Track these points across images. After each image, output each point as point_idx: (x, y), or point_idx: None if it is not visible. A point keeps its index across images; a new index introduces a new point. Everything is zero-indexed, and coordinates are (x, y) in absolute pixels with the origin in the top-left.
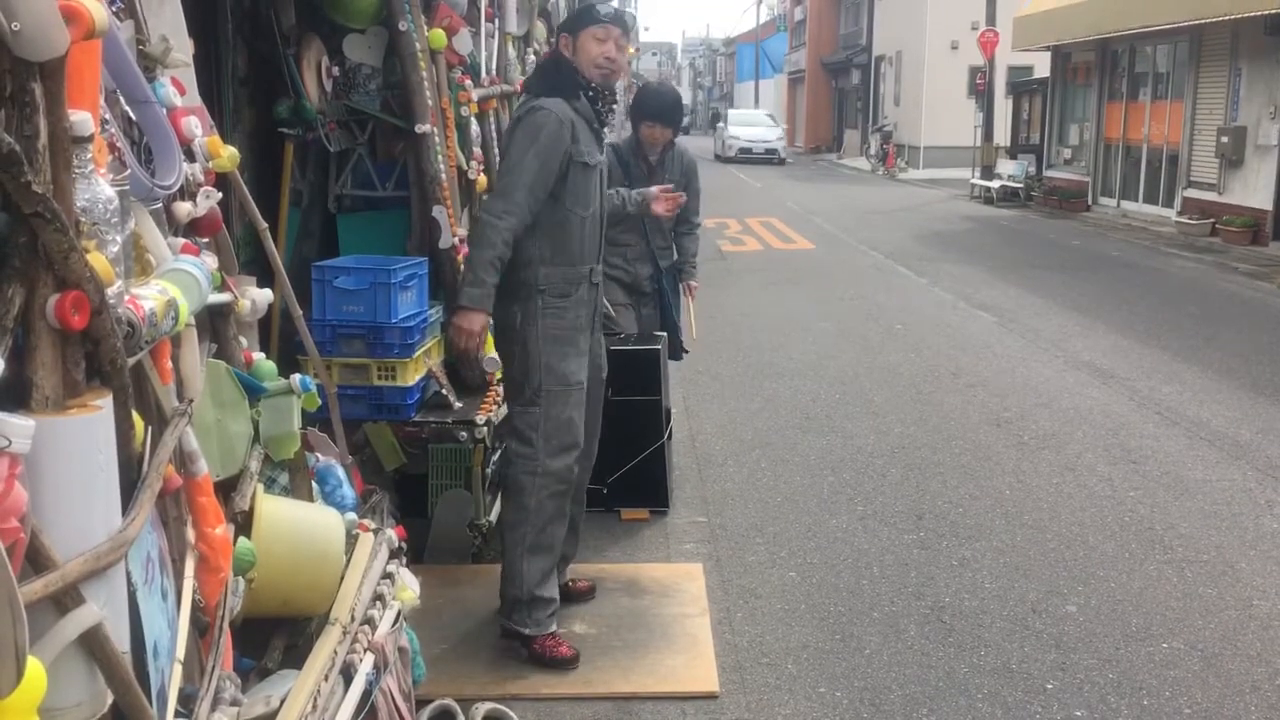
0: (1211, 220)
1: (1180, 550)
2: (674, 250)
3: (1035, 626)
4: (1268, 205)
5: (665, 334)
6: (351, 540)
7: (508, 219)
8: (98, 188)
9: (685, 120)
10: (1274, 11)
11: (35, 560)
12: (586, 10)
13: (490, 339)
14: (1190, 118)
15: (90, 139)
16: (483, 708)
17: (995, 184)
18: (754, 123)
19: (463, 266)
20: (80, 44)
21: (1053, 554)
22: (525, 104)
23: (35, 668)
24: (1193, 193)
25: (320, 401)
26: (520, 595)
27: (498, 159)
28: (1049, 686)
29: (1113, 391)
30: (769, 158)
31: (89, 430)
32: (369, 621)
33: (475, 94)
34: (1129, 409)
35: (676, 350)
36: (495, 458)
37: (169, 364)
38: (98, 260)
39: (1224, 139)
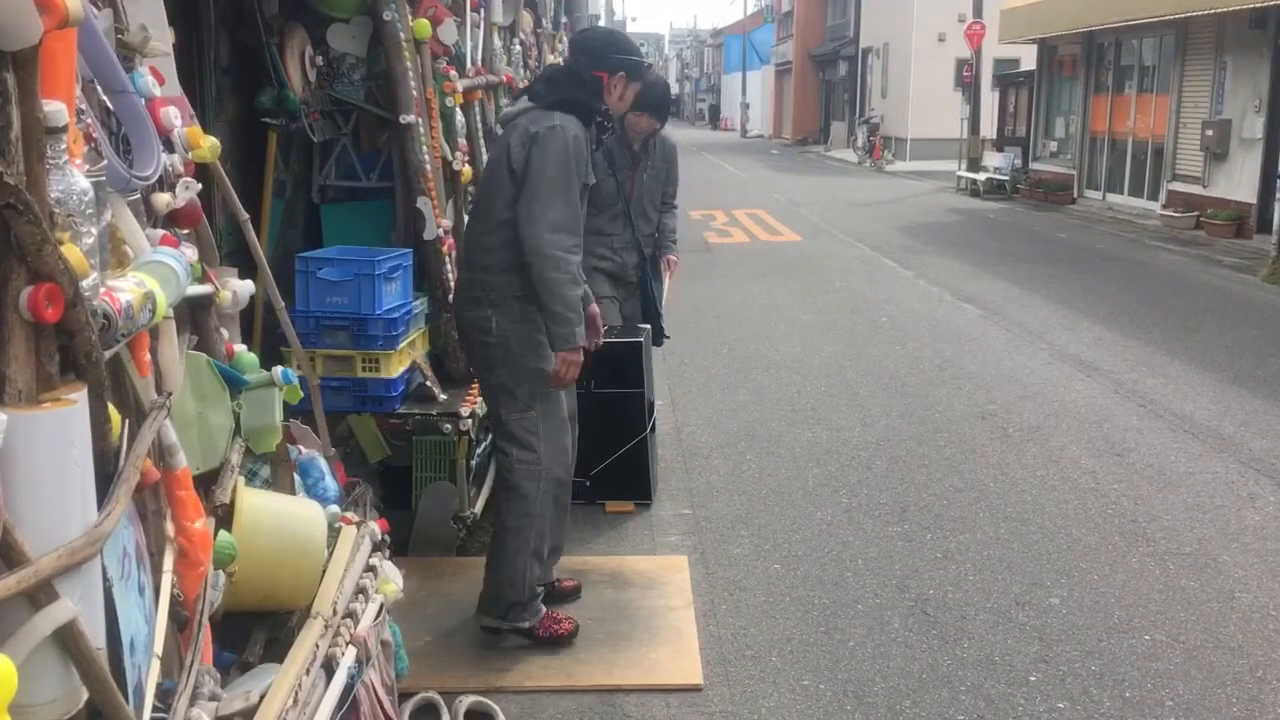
0: (1196, 213)
1: (1163, 543)
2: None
3: (1018, 619)
4: (1252, 199)
5: (648, 326)
6: (334, 533)
7: (578, 253)
8: (72, 179)
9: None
10: (1259, 5)
11: (8, 556)
12: (643, 66)
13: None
14: (1175, 111)
15: (65, 129)
16: (466, 700)
17: (981, 176)
18: None
19: (551, 301)
20: (54, 33)
21: (1036, 547)
22: (541, 117)
23: (5, 665)
24: (1177, 186)
25: (303, 394)
26: (522, 598)
27: (483, 151)
28: (1032, 678)
29: (1097, 384)
30: None
31: (63, 424)
32: (351, 615)
33: (460, 84)
34: (1113, 402)
35: (658, 336)
36: (480, 450)
37: (147, 357)
38: (72, 252)
39: (1209, 132)
